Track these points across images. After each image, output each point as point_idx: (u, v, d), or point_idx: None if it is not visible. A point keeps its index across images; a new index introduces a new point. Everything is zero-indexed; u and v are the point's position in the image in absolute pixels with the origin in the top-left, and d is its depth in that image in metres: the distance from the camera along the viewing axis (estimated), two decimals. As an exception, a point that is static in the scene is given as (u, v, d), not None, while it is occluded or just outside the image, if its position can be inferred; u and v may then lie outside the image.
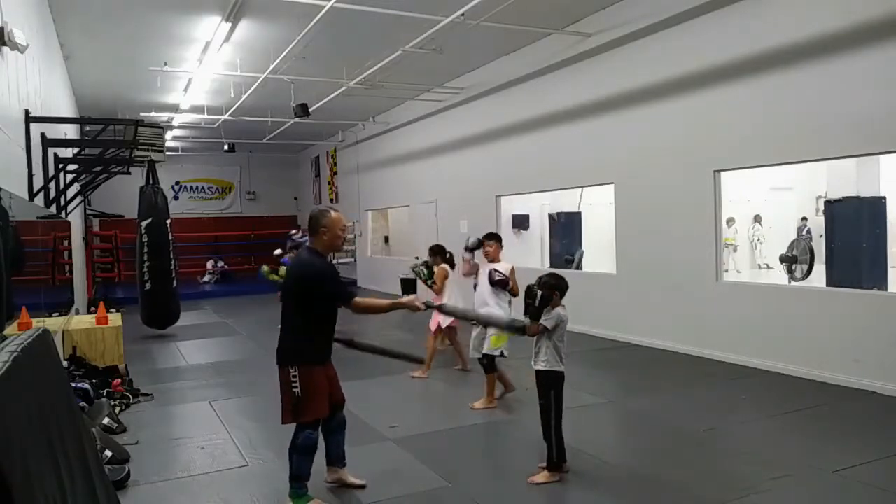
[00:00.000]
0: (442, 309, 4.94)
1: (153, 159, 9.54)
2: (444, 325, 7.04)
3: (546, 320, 4.18)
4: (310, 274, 3.86)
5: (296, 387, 3.79)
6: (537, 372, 4.28)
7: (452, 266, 7.27)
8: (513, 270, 5.87)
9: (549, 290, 4.20)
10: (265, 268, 9.19)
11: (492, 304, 5.82)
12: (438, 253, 7.28)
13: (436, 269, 7.22)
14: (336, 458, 4.18)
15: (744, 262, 13.53)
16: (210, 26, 8.85)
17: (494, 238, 6.04)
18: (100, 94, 12.81)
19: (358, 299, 3.94)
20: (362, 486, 4.17)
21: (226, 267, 20.31)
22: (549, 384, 4.22)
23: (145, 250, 10.13)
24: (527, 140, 11.07)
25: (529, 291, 4.25)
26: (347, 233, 3.58)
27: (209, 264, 20.25)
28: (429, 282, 7.25)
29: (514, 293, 5.81)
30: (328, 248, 3.98)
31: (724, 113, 7.56)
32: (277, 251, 10.60)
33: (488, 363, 5.86)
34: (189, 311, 13.03)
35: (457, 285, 7.19)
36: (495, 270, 5.79)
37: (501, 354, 5.82)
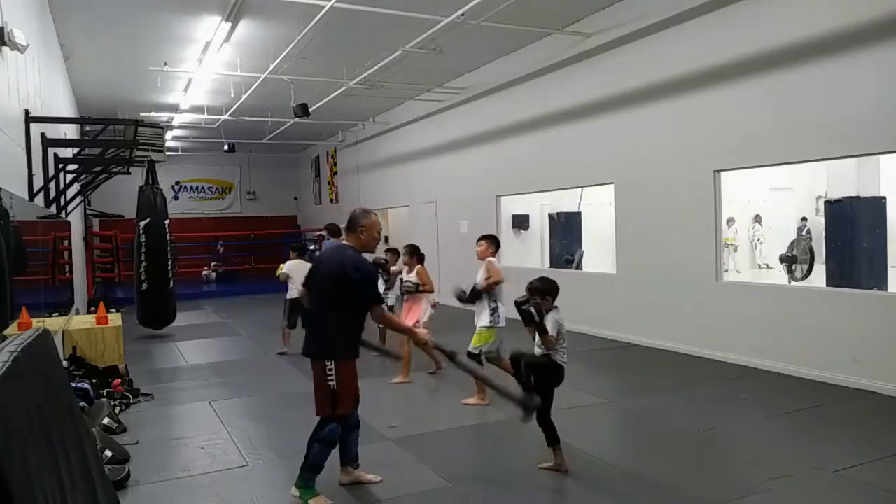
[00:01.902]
0: (455, 360, 4.27)
1: (153, 159, 9.53)
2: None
3: (548, 329, 4.17)
4: (357, 272, 3.88)
5: (331, 380, 3.85)
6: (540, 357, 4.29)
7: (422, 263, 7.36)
8: (488, 264, 5.90)
9: (542, 296, 4.20)
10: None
11: (480, 311, 5.93)
12: (415, 253, 7.29)
13: (415, 272, 7.19)
14: (350, 458, 4.21)
15: (744, 262, 13.52)
16: (210, 26, 8.85)
17: (485, 238, 6.12)
18: (100, 94, 12.81)
19: (384, 314, 3.96)
20: (378, 482, 4.21)
21: (223, 267, 20.27)
22: (545, 372, 4.24)
23: (143, 250, 10.12)
24: (527, 140, 11.07)
25: (521, 308, 4.18)
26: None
27: (213, 264, 20.28)
28: (417, 286, 7.25)
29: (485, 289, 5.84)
30: (363, 248, 4.08)
31: (724, 113, 7.56)
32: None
33: (473, 360, 5.91)
34: (189, 311, 13.05)
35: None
36: (462, 291, 5.90)
37: (479, 353, 5.89)
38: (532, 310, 4.14)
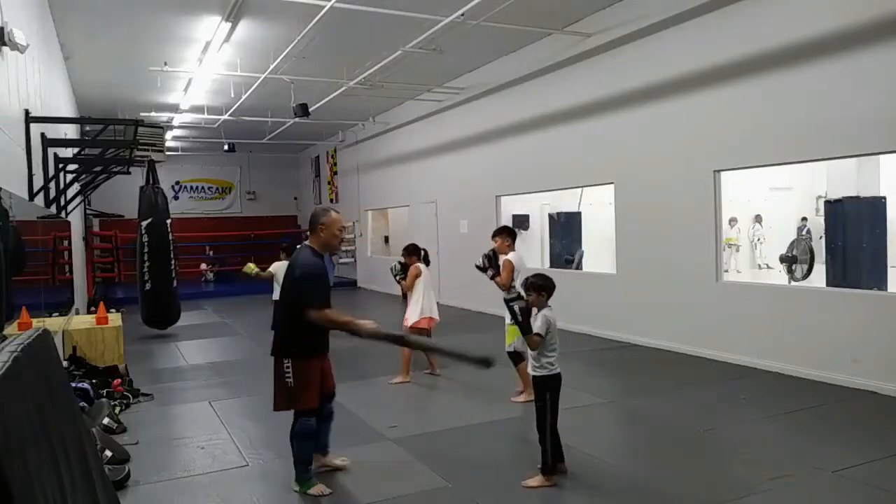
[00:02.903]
0: (404, 340, 4.68)
1: (153, 159, 9.54)
2: (408, 324, 6.96)
3: (537, 328, 4.12)
4: (297, 272, 4.01)
5: (289, 377, 3.99)
6: (533, 377, 4.26)
7: (427, 264, 7.22)
8: (507, 263, 5.89)
9: (537, 292, 4.18)
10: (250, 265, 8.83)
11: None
12: (413, 252, 7.19)
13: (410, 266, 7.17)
14: (321, 447, 4.35)
15: (744, 262, 13.52)
16: (210, 26, 8.85)
17: (499, 233, 6.12)
18: (100, 94, 12.81)
19: (319, 313, 3.89)
20: (344, 467, 4.41)
21: (217, 267, 20.24)
22: (546, 387, 4.19)
23: (145, 250, 10.12)
24: (527, 140, 11.07)
25: (508, 305, 4.22)
26: (345, 233, 3.70)
27: (202, 266, 20.27)
28: (398, 277, 7.22)
29: (500, 284, 5.74)
30: (324, 247, 4.16)
31: (724, 113, 7.55)
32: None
33: (512, 358, 5.97)
34: (189, 311, 13.03)
35: (430, 285, 7.12)
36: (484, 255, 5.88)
37: (515, 350, 5.90)
38: (516, 308, 4.12)
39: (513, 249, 6.00)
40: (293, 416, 4.09)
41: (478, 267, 5.84)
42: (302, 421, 4.07)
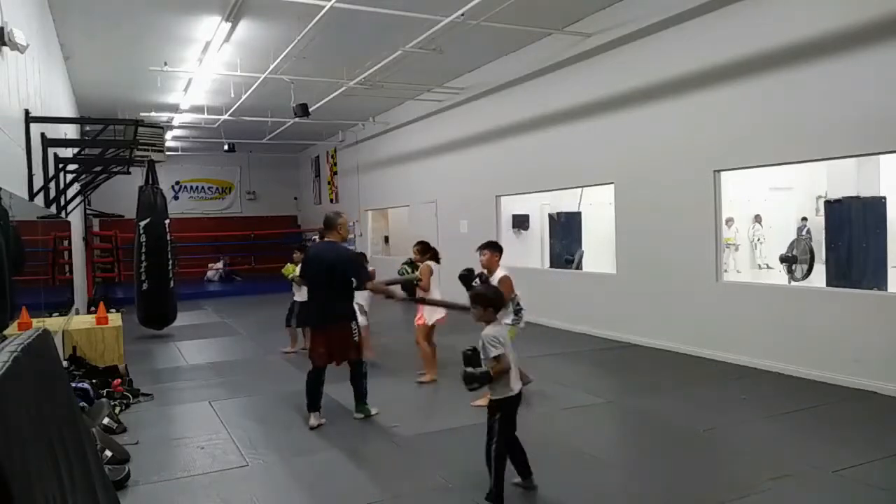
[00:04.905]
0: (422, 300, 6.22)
1: (153, 159, 9.52)
2: (430, 322, 6.88)
3: (491, 355, 3.72)
4: (355, 256, 5.75)
5: (356, 334, 5.46)
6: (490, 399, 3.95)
7: (438, 261, 7.06)
8: (506, 280, 5.77)
9: (483, 307, 3.80)
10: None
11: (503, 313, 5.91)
12: (427, 251, 7.05)
13: (421, 265, 7.03)
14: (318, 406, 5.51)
15: (744, 262, 13.53)
16: (210, 26, 8.85)
17: (488, 247, 5.99)
18: (100, 94, 12.81)
19: (372, 283, 5.72)
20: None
21: (227, 266, 20.26)
22: (496, 409, 3.85)
23: (143, 250, 10.10)
24: (527, 140, 11.07)
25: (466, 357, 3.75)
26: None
27: (219, 263, 20.21)
28: (414, 280, 7.10)
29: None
30: (342, 240, 5.59)
31: (724, 113, 7.56)
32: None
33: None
34: (189, 311, 13.04)
35: (437, 283, 7.07)
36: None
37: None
38: (466, 356, 3.70)
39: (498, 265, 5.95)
40: (356, 365, 5.47)
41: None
42: (365, 364, 5.56)
